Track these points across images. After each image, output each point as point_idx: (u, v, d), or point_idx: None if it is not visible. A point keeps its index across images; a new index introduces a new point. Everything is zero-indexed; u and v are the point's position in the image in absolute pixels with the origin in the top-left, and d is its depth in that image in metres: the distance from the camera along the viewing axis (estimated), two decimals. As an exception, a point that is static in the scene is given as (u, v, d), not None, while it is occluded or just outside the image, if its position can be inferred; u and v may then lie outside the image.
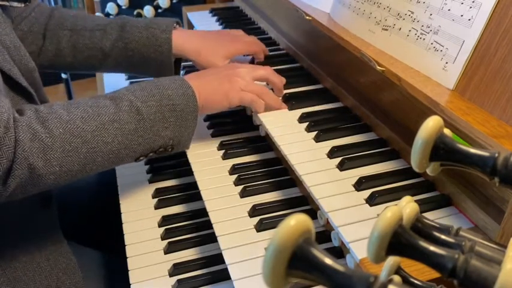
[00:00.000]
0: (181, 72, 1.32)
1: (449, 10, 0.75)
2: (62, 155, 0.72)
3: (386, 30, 0.86)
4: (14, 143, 0.68)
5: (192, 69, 1.22)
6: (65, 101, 0.81)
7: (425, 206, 0.72)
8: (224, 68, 0.97)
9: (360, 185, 0.75)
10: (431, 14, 0.78)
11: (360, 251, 0.64)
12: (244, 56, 1.16)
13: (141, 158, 0.83)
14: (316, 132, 0.88)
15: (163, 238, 0.89)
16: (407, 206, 0.37)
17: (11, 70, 0.78)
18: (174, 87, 0.84)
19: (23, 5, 0.90)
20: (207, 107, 0.90)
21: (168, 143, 0.84)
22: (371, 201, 0.73)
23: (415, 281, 0.43)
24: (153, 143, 0.82)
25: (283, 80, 1.00)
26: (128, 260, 0.85)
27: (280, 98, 0.99)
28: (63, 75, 2.62)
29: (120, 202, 0.98)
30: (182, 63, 1.27)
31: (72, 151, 0.73)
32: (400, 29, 0.83)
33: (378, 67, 0.81)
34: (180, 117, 0.83)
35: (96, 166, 0.77)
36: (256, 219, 0.81)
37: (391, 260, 0.42)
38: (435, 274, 0.32)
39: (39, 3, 1.12)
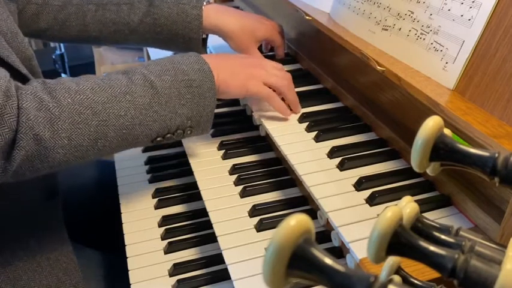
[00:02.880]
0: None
1: (449, 10, 0.75)
2: (70, 126, 0.69)
3: (386, 30, 0.86)
4: (16, 111, 0.65)
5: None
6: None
7: (425, 206, 0.72)
8: (247, 56, 0.96)
9: (360, 185, 0.75)
10: (431, 14, 0.78)
11: (360, 251, 0.64)
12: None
13: (158, 138, 0.80)
14: (316, 132, 0.88)
15: (163, 238, 0.89)
16: (407, 206, 0.37)
17: (9, 57, 0.76)
18: (189, 62, 0.81)
19: None
20: (224, 91, 0.86)
21: (186, 124, 0.80)
22: (371, 201, 0.73)
23: (415, 281, 0.43)
24: (169, 121, 0.78)
25: (296, 98, 0.96)
26: (128, 260, 0.85)
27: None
28: (63, 76, 2.63)
29: (120, 202, 0.98)
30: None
31: (82, 123, 0.70)
32: (400, 29, 0.83)
33: (378, 67, 0.81)
34: (197, 94, 0.80)
35: (108, 142, 0.74)
36: (256, 219, 0.81)
37: (391, 260, 0.42)
38: (435, 274, 0.32)
39: None
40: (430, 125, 0.38)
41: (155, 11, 1.02)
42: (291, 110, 0.94)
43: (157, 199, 0.98)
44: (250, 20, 1.06)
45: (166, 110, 0.77)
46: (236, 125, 1.05)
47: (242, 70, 0.89)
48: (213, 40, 1.12)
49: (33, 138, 0.66)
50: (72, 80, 0.74)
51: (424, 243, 0.33)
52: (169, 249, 0.86)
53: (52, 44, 3.11)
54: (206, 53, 1.11)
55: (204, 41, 1.07)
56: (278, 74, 0.93)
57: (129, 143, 0.77)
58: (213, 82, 0.82)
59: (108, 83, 0.74)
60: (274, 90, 0.92)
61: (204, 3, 1.04)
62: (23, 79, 0.80)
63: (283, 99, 0.93)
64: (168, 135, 0.80)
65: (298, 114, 0.94)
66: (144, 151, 1.14)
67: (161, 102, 0.77)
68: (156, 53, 1.34)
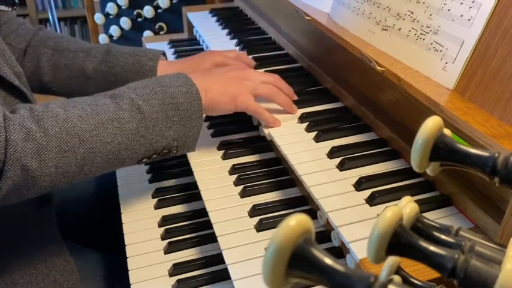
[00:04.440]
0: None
1: (449, 10, 0.75)
2: (57, 155, 0.69)
3: (386, 30, 0.86)
4: (4, 143, 0.65)
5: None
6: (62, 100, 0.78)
7: (425, 206, 0.72)
8: (232, 68, 0.95)
9: (360, 185, 0.75)
10: (431, 14, 0.78)
11: (360, 251, 0.64)
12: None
13: (144, 160, 0.80)
14: (316, 132, 0.88)
15: (163, 238, 0.89)
16: (407, 206, 0.37)
17: (0, 69, 0.76)
18: (177, 85, 0.81)
19: (10, 9, 0.88)
20: (213, 108, 0.88)
21: (172, 145, 0.81)
22: (371, 201, 0.73)
23: (415, 281, 0.43)
24: (155, 144, 0.79)
25: (292, 90, 0.98)
26: (128, 260, 0.85)
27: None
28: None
29: (120, 202, 0.98)
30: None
31: (69, 151, 0.70)
32: (400, 29, 0.83)
33: (378, 67, 0.81)
34: (184, 116, 0.80)
35: (95, 168, 0.74)
36: (256, 219, 0.81)
37: (391, 260, 0.42)
38: (435, 274, 0.32)
39: (24, 21, 1.11)
40: (430, 125, 0.38)
41: (111, 59, 1.03)
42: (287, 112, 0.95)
43: (157, 199, 0.98)
44: (191, 63, 1.07)
45: (153, 134, 0.78)
46: (236, 125, 1.05)
47: (229, 86, 0.89)
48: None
49: (21, 168, 0.67)
50: (60, 106, 0.73)
51: (424, 243, 0.33)
52: (169, 249, 0.86)
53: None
54: None
55: None
56: (265, 80, 0.94)
57: (115, 166, 0.78)
58: (200, 104, 0.82)
59: (95, 110, 0.74)
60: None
61: (161, 58, 1.06)
62: (16, 92, 0.80)
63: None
64: (154, 155, 0.81)
65: (298, 114, 0.94)
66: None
67: (148, 127, 0.77)
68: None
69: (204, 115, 1.00)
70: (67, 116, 0.72)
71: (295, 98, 0.99)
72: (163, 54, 1.08)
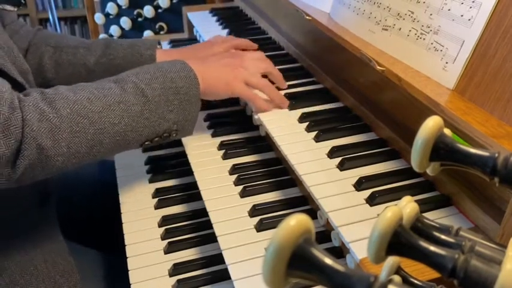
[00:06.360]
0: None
1: (449, 10, 0.75)
2: (69, 135, 0.73)
3: (386, 30, 0.86)
4: (21, 123, 0.68)
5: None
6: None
7: (425, 206, 0.72)
8: (227, 55, 0.98)
9: (360, 185, 0.75)
10: (431, 14, 0.78)
11: (360, 251, 0.64)
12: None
13: (147, 142, 0.84)
14: (316, 132, 0.88)
15: (163, 238, 0.89)
16: (407, 206, 0.37)
17: (4, 65, 0.78)
18: (176, 70, 0.85)
19: (16, 9, 0.90)
20: (210, 93, 0.91)
21: (172, 128, 0.85)
22: (371, 201, 0.73)
23: (415, 281, 0.43)
24: (158, 126, 0.83)
25: (281, 76, 1.02)
26: (128, 260, 0.85)
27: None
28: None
29: (120, 202, 0.98)
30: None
31: (80, 132, 0.74)
32: (400, 29, 0.83)
33: (378, 67, 0.81)
34: (184, 100, 0.84)
35: (103, 148, 0.78)
36: (256, 219, 0.81)
37: (391, 260, 0.42)
38: (435, 274, 0.32)
39: (24, 23, 1.13)
40: (430, 125, 0.38)
41: (111, 52, 1.06)
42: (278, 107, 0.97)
43: (157, 199, 0.98)
44: (189, 52, 1.09)
45: (156, 117, 0.82)
46: (236, 125, 1.05)
47: (225, 72, 0.92)
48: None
49: (36, 147, 0.70)
50: (69, 90, 0.77)
51: (424, 243, 0.33)
52: (169, 249, 0.86)
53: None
54: None
55: None
56: (259, 68, 0.96)
57: (122, 147, 0.81)
58: (198, 88, 0.86)
59: (102, 92, 0.78)
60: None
61: (158, 46, 1.08)
62: (20, 88, 0.81)
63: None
64: (156, 138, 0.85)
65: (298, 114, 0.94)
66: (144, 151, 1.14)
67: (152, 109, 0.81)
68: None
69: (204, 113, 1.00)
70: (77, 98, 0.75)
71: (286, 86, 1.02)
72: (159, 43, 1.11)
